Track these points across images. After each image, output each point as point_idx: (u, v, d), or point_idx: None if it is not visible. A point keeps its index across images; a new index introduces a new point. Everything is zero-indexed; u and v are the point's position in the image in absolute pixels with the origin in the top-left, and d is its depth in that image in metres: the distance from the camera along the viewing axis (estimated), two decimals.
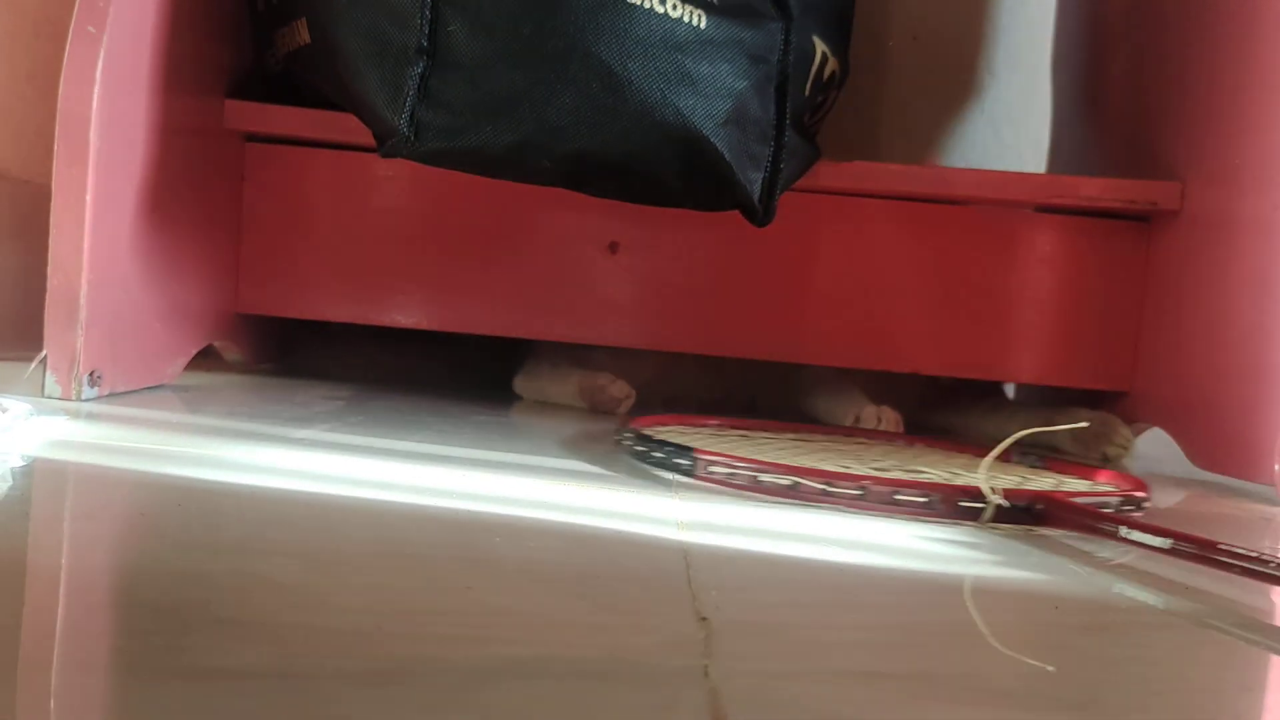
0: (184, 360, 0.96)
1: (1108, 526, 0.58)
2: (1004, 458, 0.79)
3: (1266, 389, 0.86)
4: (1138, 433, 1.04)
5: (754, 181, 0.87)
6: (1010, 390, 1.28)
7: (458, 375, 1.20)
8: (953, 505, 0.62)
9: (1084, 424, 0.93)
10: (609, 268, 1.07)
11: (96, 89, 0.78)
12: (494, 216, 1.07)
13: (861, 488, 0.63)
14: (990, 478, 0.63)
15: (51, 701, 0.30)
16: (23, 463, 0.59)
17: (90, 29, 0.79)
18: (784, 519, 0.61)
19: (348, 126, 0.95)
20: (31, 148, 1.07)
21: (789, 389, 1.13)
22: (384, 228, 1.08)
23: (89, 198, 0.79)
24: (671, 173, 0.85)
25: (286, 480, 0.61)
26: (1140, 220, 1.06)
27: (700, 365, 1.14)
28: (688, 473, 0.68)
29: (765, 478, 0.65)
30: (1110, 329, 1.07)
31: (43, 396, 0.78)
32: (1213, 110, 0.95)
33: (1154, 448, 1.03)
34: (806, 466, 0.66)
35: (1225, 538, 0.51)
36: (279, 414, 0.85)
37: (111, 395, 0.83)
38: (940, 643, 0.43)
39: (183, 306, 0.95)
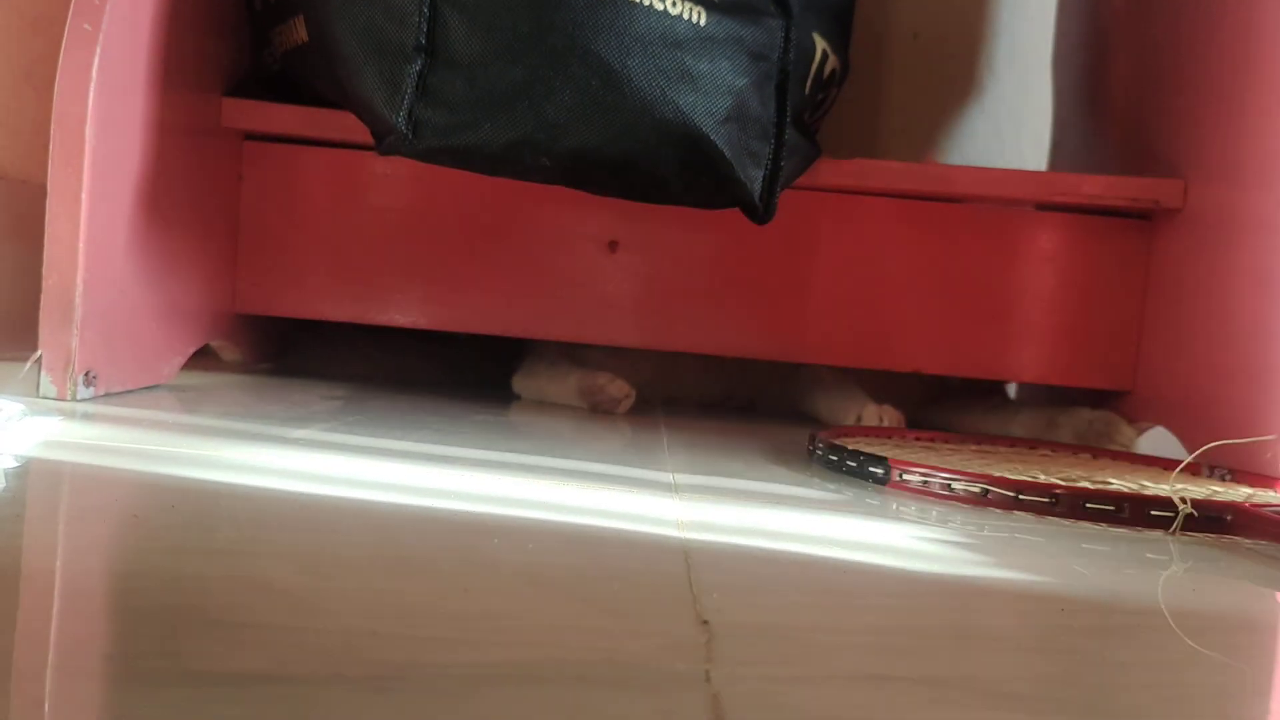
0: (180, 360, 0.95)
1: None
2: (1194, 471, 0.82)
3: (1270, 388, 0.86)
4: (1140, 432, 1.04)
5: (754, 179, 0.87)
6: (1012, 389, 1.28)
7: (456, 374, 1.19)
8: (1143, 514, 0.64)
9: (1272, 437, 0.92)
10: (608, 266, 1.07)
11: (92, 87, 0.78)
12: (492, 214, 1.07)
13: (1053, 496, 0.65)
14: (1181, 489, 0.65)
15: (46, 705, 0.30)
16: (16, 464, 0.58)
17: (86, 26, 0.78)
18: (785, 520, 0.61)
19: (345, 124, 0.95)
20: (28, 147, 1.07)
21: (789, 389, 1.13)
22: (382, 226, 1.07)
23: (84, 197, 0.78)
24: (671, 170, 0.84)
25: (282, 481, 0.60)
26: (1142, 218, 1.05)
27: (700, 365, 1.13)
28: (881, 481, 0.70)
29: (958, 485, 0.67)
30: (1112, 328, 1.06)
31: (38, 397, 0.78)
32: (1215, 107, 0.95)
33: (1157, 447, 1.03)
34: (998, 475, 0.68)
35: None
36: (276, 414, 0.84)
37: (107, 395, 0.83)
38: (947, 645, 0.42)
39: (179, 306, 0.95)
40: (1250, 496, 0.71)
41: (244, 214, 1.06)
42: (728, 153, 0.83)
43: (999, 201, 1.07)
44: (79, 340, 0.79)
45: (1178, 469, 0.71)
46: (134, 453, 0.65)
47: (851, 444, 0.78)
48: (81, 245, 0.78)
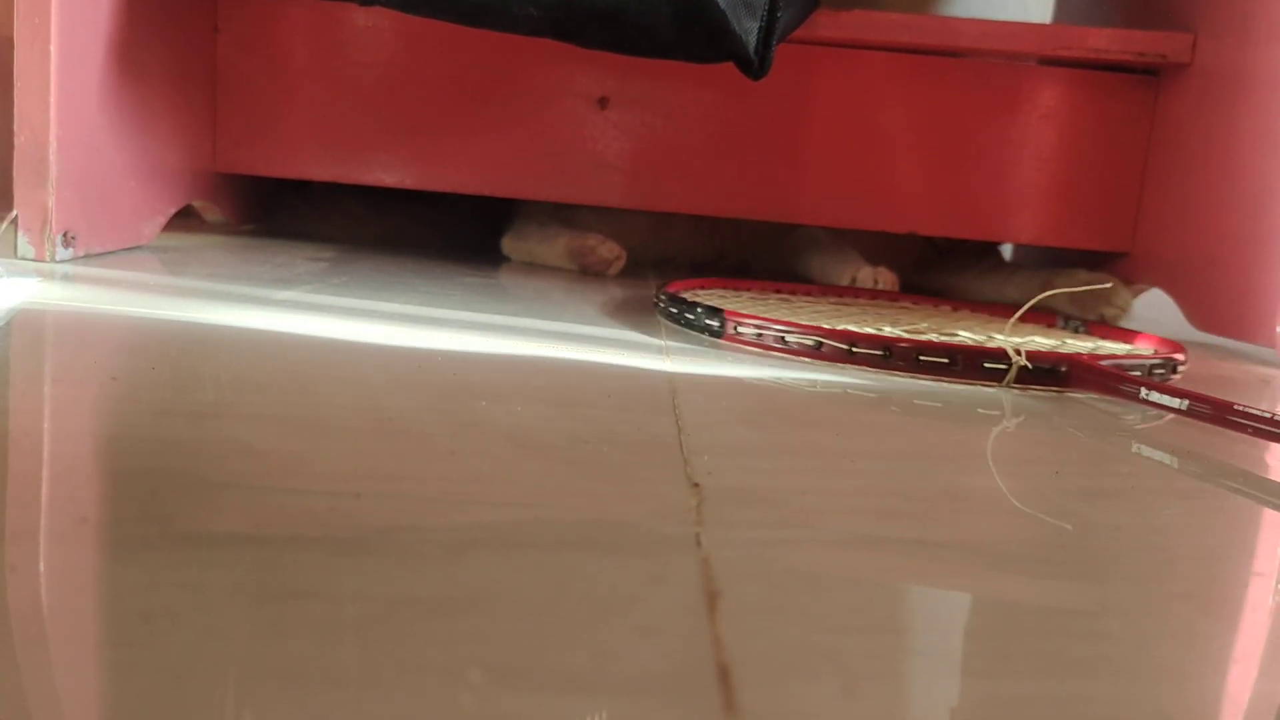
0: (161, 220, 0.93)
1: (1128, 388, 0.58)
2: (1048, 322, 0.81)
3: (1270, 250, 0.84)
4: (1137, 294, 1.03)
5: (749, 31, 0.83)
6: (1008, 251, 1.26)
7: (444, 236, 1.17)
8: (976, 366, 0.63)
9: (1108, 284, 0.91)
10: (599, 123, 1.04)
11: None
12: (480, 70, 1.03)
13: (886, 349, 0.64)
14: (1021, 341, 0.64)
15: (41, 564, 0.30)
16: None
17: None
18: (782, 378, 0.60)
19: None
20: None
21: (783, 250, 1.11)
22: (366, 83, 1.04)
23: (53, 49, 0.75)
24: (663, 21, 0.81)
25: (266, 344, 0.59)
26: (1148, 74, 1.02)
27: (692, 225, 1.11)
28: (716, 334, 0.69)
29: (792, 338, 0.66)
30: (1113, 188, 1.05)
31: (15, 258, 0.76)
32: None
33: (1152, 309, 1.02)
34: (833, 328, 0.67)
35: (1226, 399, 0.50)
36: (260, 275, 0.83)
37: (87, 256, 0.81)
38: (943, 509, 0.42)
39: (158, 165, 0.92)
40: (1096, 348, 0.71)
41: (222, 69, 1.02)
42: (722, 2, 0.80)
43: (1002, 55, 1.04)
44: (55, 199, 0.77)
45: (1013, 318, 0.69)
46: (115, 314, 0.64)
47: (696, 296, 0.76)
48: (53, 99, 0.76)
